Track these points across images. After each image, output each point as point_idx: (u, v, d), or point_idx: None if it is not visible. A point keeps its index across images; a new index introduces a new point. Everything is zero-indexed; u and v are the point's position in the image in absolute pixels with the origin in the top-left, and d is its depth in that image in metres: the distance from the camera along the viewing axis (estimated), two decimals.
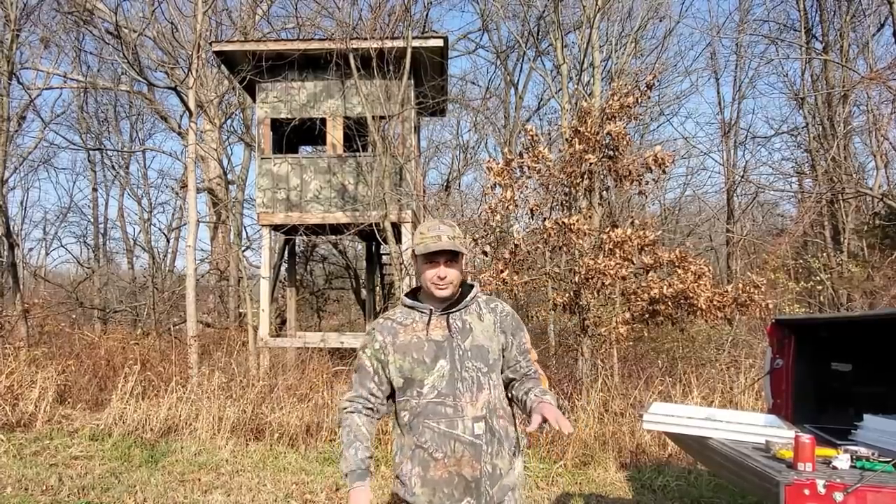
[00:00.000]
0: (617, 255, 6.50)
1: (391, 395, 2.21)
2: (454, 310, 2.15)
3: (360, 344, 2.21)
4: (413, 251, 2.17)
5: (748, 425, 2.75)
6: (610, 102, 7.00)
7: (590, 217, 7.21)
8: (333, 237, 14.97)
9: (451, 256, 2.10)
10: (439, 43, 10.16)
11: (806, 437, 2.16)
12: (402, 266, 9.58)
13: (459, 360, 2.09)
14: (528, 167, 7.01)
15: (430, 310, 2.14)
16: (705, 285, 6.41)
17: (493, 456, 2.09)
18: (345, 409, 2.15)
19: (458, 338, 2.11)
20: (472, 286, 2.23)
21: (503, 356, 2.19)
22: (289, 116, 10.45)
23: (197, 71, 10.47)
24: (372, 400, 2.16)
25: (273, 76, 10.24)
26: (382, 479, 5.46)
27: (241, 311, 14.38)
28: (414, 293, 2.25)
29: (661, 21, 15.20)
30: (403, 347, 2.11)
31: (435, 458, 2.05)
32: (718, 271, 14.79)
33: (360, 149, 10.51)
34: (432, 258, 2.09)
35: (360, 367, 2.18)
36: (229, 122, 16.90)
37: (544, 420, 1.90)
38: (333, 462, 5.93)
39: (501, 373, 2.19)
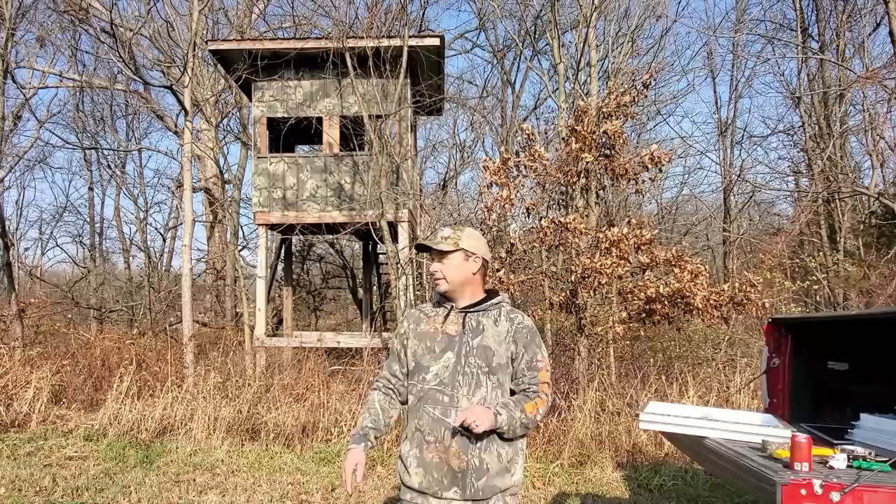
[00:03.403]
0: (613, 255, 6.49)
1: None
2: (473, 310, 2.27)
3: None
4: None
5: (745, 425, 2.74)
6: (606, 101, 7.00)
7: (586, 216, 7.20)
8: (330, 236, 14.93)
9: (441, 254, 2.27)
10: (436, 42, 10.13)
11: (802, 437, 2.15)
12: (399, 266, 9.56)
13: (465, 355, 2.21)
14: (525, 166, 7.00)
15: (452, 306, 2.30)
16: (702, 284, 6.41)
17: (481, 451, 2.15)
18: (370, 385, 2.35)
19: (469, 335, 2.23)
20: (498, 294, 2.36)
21: (511, 365, 2.24)
22: (285, 115, 10.41)
23: (193, 70, 10.44)
24: (393, 381, 2.34)
25: (269, 75, 10.20)
26: (378, 479, 5.44)
27: (237, 310, 14.33)
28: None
29: (657, 20, 15.19)
30: (421, 335, 2.29)
31: (427, 441, 2.18)
32: (715, 270, 14.80)
33: (357, 148, 10.47)
34: (431, 255, 2.31)
35: (391, 349, 2.42)
36: (226, 121, 16.82)
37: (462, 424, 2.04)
38: (329, 462, 5.91)
39: (512, 381, 2.25)
